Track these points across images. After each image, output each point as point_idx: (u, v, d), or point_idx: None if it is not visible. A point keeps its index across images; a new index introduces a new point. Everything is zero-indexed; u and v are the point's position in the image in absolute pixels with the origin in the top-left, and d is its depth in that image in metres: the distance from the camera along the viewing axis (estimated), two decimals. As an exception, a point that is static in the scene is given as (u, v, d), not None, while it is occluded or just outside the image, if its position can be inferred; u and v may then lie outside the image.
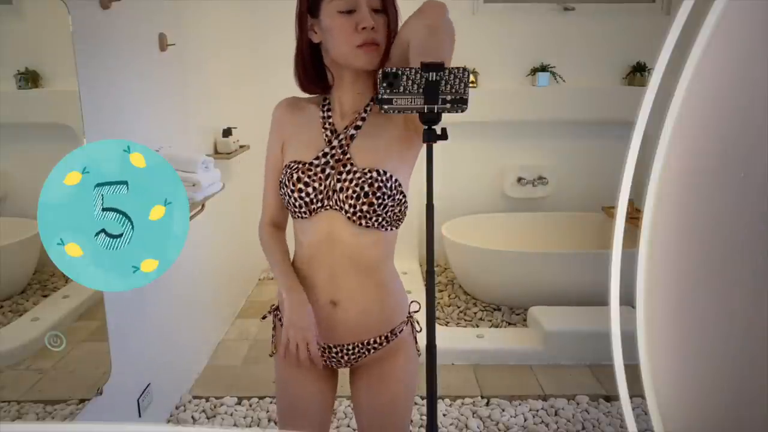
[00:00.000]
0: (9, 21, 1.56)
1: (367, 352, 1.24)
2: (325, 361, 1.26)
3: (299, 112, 1.23)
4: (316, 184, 1.13)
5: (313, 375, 1.27)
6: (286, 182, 1.16)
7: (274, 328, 1.32)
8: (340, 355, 1.24)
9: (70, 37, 1.60)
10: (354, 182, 1.11)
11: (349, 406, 2.41)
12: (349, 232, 1.15)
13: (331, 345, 1.23)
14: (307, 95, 1.26)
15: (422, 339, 1.17)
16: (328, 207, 1.14)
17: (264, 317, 1.37)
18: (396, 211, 1.15)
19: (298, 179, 1.14)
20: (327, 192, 1.13)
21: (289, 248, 1.29)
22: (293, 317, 1.18)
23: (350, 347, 1.23)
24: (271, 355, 1.32)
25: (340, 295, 1.19)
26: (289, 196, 1.15)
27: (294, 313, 1.18)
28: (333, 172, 1.13)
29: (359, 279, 1.18)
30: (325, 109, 1.21)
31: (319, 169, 1.14)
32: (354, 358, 1.25)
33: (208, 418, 2.38)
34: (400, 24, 1.13)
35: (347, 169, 1.13)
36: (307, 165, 1.15)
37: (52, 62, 1.65)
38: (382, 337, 1.24)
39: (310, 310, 1.18)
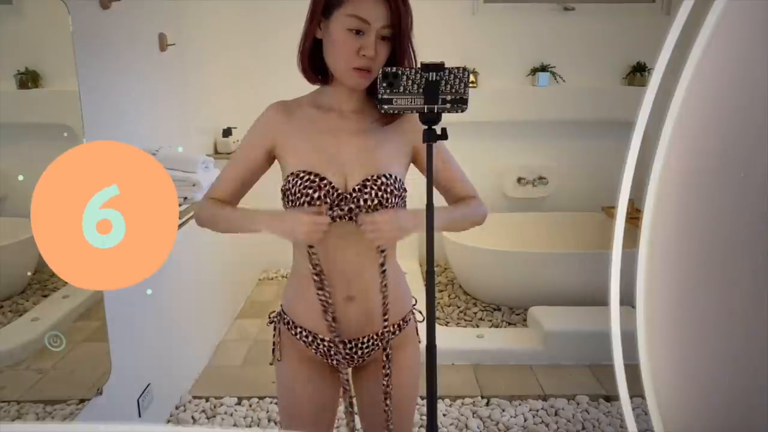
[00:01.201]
0: (9, 21, 1.55)
1: (380, 343, 1.24)
2: (336, 361, 1.26)
3: (293, 117, 1.20)
4: (330, 212, 1.13)
5: (318, 378, 1.27)
6: (296, 200, 1.13)
7: (274, 336, 1.30)
8: (354, 350, 1.24)
9: (70, 37, 1.60)
10: (368, 198, 1.12)
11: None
12: (363, 236, 1.15)
13: (347, 340, 1.22)
14: (297, 97, 1.24)
15: (422, 339, 1.17)
16: (339, 219, 1.14)
17: (270, 321, 1.33)
18: (402, 207, 1.18)
19: (310, 201, 1.12)
20: (342, 212, 1.13)
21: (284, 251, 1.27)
22: (293, 225, 1.10)
23: (365, 339, 1.23)
24: (271, 364, 1.31)
25: (356, 290, 1.19)
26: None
27: (290, 222, 1.11)
28: (347, 195, 1.12)
29: (373, 273, 1.19)
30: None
31: (335, 199, 1.12)
32: (367, 352, 1.25)
33: (208, 418, 2.38)
34: (413, 55, 1.13)
35: (359, 182, 1.13)
36: (317, 184, 1.12)
37: (52, 62, 1.65)
38: (395, 326, 1.25)
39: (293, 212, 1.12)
